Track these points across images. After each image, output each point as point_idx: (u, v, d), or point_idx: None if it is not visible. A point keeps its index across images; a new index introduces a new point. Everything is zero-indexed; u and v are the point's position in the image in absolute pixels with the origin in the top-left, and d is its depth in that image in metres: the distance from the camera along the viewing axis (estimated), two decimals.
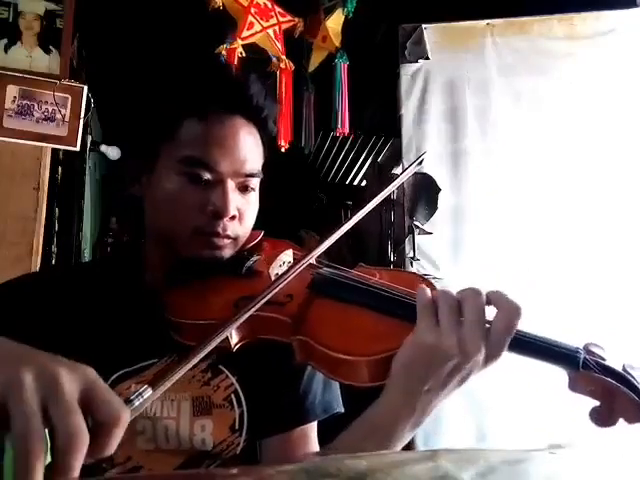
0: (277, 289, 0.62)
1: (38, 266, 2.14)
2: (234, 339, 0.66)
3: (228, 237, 0.76)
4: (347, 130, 2.49)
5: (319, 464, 0.27)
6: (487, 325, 0.58)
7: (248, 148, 0.78)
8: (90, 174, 3.13)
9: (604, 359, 0.59)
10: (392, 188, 0.84)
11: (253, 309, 0.59)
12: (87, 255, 3.24)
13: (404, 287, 0.67)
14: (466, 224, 2.52)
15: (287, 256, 0.78)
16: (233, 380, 0.76)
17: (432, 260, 2.51)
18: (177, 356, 0.49)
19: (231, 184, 0.76)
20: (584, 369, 0.57)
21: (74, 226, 2.80)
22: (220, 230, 0.74)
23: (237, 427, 0.75)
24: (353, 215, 0.76)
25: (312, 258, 0.70)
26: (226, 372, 0.77)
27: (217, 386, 0.76)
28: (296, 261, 0.70)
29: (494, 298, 0.60)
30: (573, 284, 2.39)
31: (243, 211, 0.78)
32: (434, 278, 2.49)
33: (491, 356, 0.58)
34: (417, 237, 2.52)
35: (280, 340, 0.65)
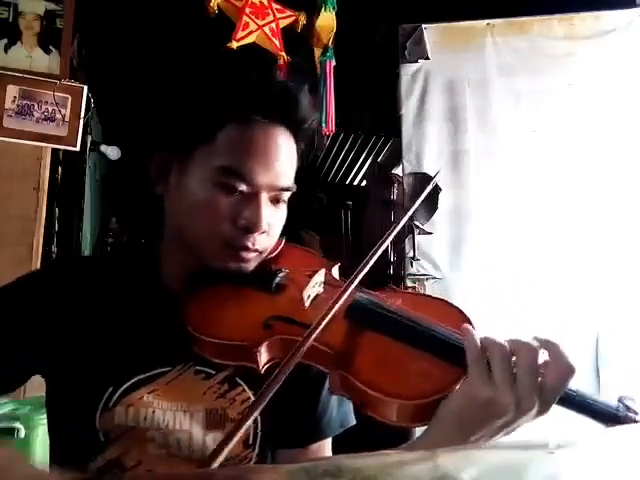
0: (323, 324, 0.59)
1: (38, 266, 2.13)
2: (263, 359, 0.63)
3: (256, 250, 0.73)
4: (333, 129, 2.47)
5: (319, 464, 0.27)
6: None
7: (287, 161, 0.74)
8: (90, 174, 3.13)
9: (637, 413, 0.60)
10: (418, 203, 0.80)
11: (298, 354, 0.57)
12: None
13: (443, 319, 0.65)
14: (466, 224, 2.52)
15: (320, 277, 0.73)
16: (250, 394, 0.74)
17: (432, 260, 2.51)
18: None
19: (265, 197, 0.72)
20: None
21: (74, 226, 2.81)
22: (250, 244, 0.71)
23: (250, 442, 0.73)
24: (389, 233, 0.72)
25: (353, 286, 0.66)
26: (243, 386, 0.74)
27: (233, 399, 0.73)
28: (332, 292, 0.67)
29: (549, 349, 0.58)
30: (573, 284, 2.39)
31: (273, 224, 0.75)
32: (434, 278, 2.49)
33: (541, 411, 0.58)
34: (417, 237, 2.52)
35: (316, 367, 0.63)
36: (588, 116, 2.51)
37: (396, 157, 3.14)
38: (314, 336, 0.59)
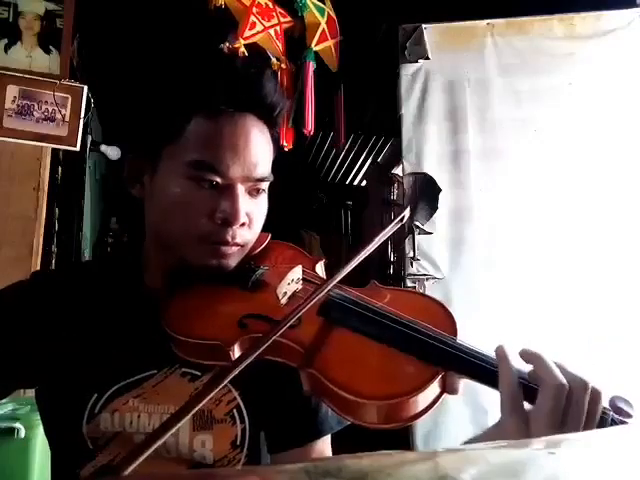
0: (291, 321, 0.58)
1: (38, 266, 2.14)
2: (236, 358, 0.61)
3: (237, 244, 0.72)
4: (312, 130, 2.47)
5: (319, 464, 0.27)
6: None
7: (260, 150, 0.72)
8: (90, 174, 3.13)
9: (630, 416, 0.54)
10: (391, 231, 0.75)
11: (262, 347, 0.55)
12: (87, 255, 3.24)
13: (425, 317, 0.62)
14: (466, 224, 2.52)
15: (295, 273, 0.71)
16: (236, 394, 0.73)
17: (432, 260, 2.51)
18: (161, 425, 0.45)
19: (241, 189, 0.71)
20: None
21: (74, 226, 2.80)
22: (229, 238, 0.70)
23: (238, 443, 0.72)
24: (370, 242, 0.69)
25: (327, 288, 0.64)
26: (229, 385, 0.72)
27: (219, 400, 0.72)
28: (310, 289, 0.65)
29: (571, 380, 0.53)
30: (573, 284, 2.39)
31: (252, 216, 0.73)
32: (434, 278, 2.49)
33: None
34: (417, 237, 2.52)
35: (288, 364, 0.61)
36: (588, 116, 2.51)
37: (396, 157, 3.14)
38: (280, 332, 0.56)
